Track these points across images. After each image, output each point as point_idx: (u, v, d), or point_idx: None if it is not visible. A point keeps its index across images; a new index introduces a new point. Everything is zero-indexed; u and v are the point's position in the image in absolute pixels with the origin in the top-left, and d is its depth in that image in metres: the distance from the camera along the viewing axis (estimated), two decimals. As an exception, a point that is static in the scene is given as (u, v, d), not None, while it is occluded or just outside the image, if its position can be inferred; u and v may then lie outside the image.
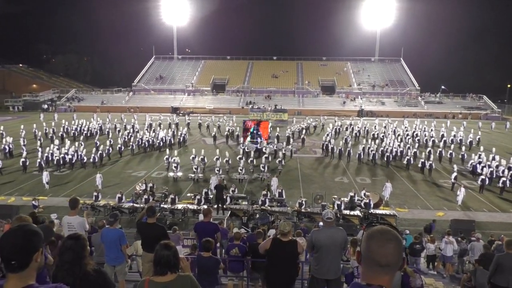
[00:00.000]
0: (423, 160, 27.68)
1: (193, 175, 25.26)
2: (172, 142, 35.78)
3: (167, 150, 29.75)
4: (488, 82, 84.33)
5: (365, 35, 77.80)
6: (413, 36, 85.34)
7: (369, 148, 31.10)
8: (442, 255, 13.40)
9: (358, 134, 39.85)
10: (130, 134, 37.33)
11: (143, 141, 34.05)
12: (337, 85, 69.48)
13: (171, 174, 25.76)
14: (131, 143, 33.21)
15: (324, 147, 33.14)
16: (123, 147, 32.09)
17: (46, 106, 63.65)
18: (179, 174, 25.64)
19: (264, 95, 66.01)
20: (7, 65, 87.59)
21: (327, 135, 36.34)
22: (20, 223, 2.57)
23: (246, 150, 30.35)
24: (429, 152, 30.13)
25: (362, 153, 30.28)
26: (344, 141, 34.50)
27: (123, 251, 7.44)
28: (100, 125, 41.49)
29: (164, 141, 34.95)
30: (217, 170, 25.23)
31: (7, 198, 22.05)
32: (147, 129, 39.44)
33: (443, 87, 64.57)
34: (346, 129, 41.66)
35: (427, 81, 72.14)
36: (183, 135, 36.41)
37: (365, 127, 41.88)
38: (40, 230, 2.24)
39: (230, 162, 27.39)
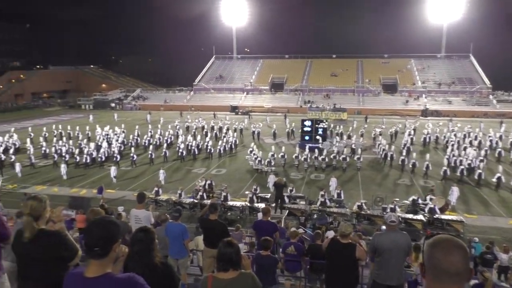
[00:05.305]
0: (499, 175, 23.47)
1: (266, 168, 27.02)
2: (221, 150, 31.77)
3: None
4: None
5: (430, 30, 73.82)
6: (483, 30, 79.15)
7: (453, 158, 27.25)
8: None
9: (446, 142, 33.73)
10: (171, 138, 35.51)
11: (182, 148, 31.09)
12: (400, 83, 66.76)
13: (266, 168, 26.86)
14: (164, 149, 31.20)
15: (384, 154, 29.63)
16: (154, 154, 29.95)
17: (114, 104, 67.79)
18: (273, 168, 26.87)
19: (323, 94, 65.14)
20: (80, 66, 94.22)
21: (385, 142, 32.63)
22: (96, 215, 2.79)
23: (328, 149, 30.31)
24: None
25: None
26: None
27: (185, 245, 7.71)
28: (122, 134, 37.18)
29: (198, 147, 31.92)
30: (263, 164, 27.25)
31: (79, 190, 23.80)
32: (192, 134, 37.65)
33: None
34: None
35: (500, 78, 66.94)
36: (230, 142, 33.48)
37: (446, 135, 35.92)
38: (119, 223, 2.41)
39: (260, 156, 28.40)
